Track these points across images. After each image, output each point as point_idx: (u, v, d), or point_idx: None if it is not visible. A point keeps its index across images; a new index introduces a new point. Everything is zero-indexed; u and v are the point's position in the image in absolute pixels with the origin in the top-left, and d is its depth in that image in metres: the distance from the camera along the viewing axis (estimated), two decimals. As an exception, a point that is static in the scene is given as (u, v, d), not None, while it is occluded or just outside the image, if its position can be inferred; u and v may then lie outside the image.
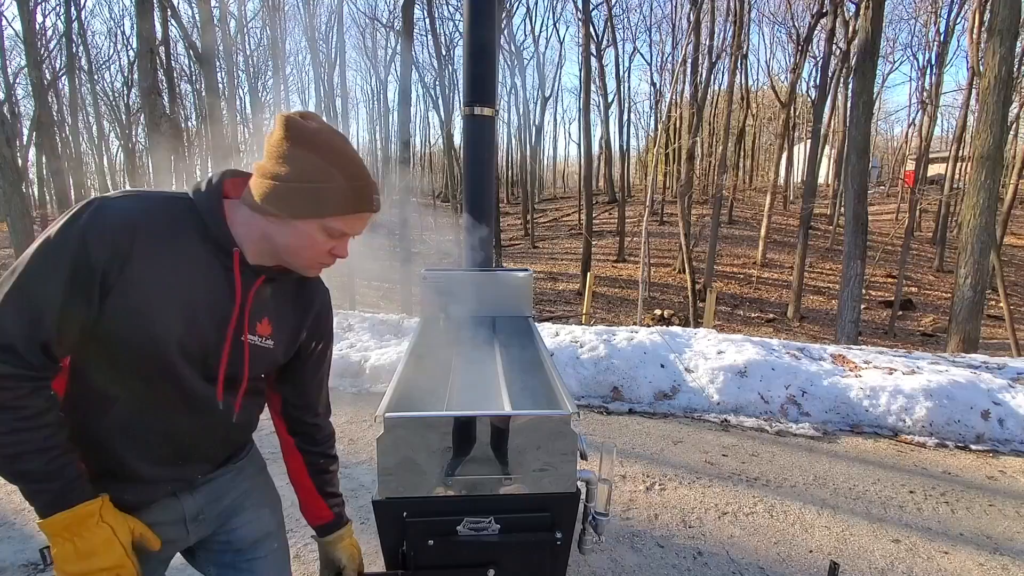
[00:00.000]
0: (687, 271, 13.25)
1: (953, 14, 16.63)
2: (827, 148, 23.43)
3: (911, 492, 2.88)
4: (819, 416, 3.77)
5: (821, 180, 25.29)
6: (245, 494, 1.09)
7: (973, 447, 3.49)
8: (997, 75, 5.83)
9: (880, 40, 8.42)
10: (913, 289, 16.67)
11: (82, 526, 0.81)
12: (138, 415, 0.87)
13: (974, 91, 6.21)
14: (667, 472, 2.98)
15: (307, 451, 1.15)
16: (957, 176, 18.59)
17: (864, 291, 12.65)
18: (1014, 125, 16.64)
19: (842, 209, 19.72)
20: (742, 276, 17.90)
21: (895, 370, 4.07)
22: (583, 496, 1.44)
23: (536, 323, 2.29)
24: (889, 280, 16.75)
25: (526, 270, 2.39)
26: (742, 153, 25.97)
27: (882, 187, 28.01)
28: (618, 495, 2.72)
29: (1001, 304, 9.29)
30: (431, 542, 1.27)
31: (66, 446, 0.81)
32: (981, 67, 14.37)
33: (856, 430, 3.68)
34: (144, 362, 0.84)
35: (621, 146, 25.41)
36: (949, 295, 14.62)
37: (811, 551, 2.34)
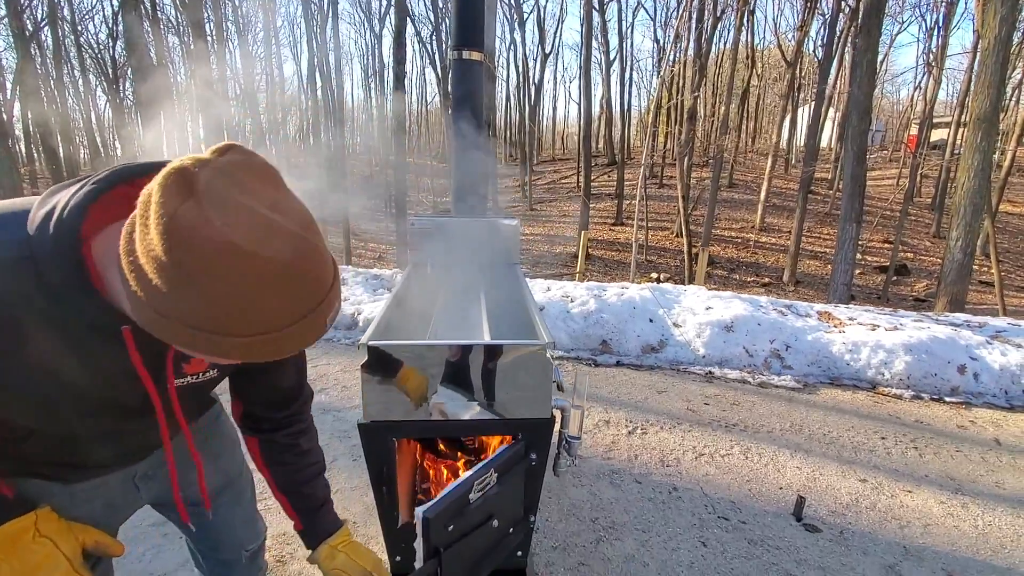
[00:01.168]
0: (684, 234, 13.23)
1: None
2: (831, 111, 23.00)
3: (882, 439, 3.00)
4: (801, 369, 3.88)
5: (824, 144, 24.97)
6: (204, 447, 1.00)
7: (947, 399, 3.61)
8: (997, 35, 5.70)
9: (888, -5, 8.17)
10: (909, 255, 16.72)
11: (15, 544, 0.72)
12: (64, 441, 0.77)
13: (978, 55, 6.08)
14: (649, 418, 3.09)
15: (265, 438, 1.04)
16: (959, 142, 18.39)
17: (860, 256, 12.70)
18: (1016, 92, 16.35)
19: (843, 173, 19.57)
20: (740, 240, 17.90)
21: (878, 326, 4.16)
22: (558, 423, 1.52)
23: (523, 272, 2.34)
24: (886, 245, 16.78)
25: (514, 219, 2.42)
26: (745, 114, 25.49)
27: (885, 151, 27.68)
28: (600, 438, 2.84)
29: (992, 271, 9.38)
30: (450, 527, 1.31)
31: None
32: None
33: (836, 383, 3.79)
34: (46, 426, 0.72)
35: (622, 106, 24.92)
36: (938, 261, 14.71)
37: (781, 488, 2.46)
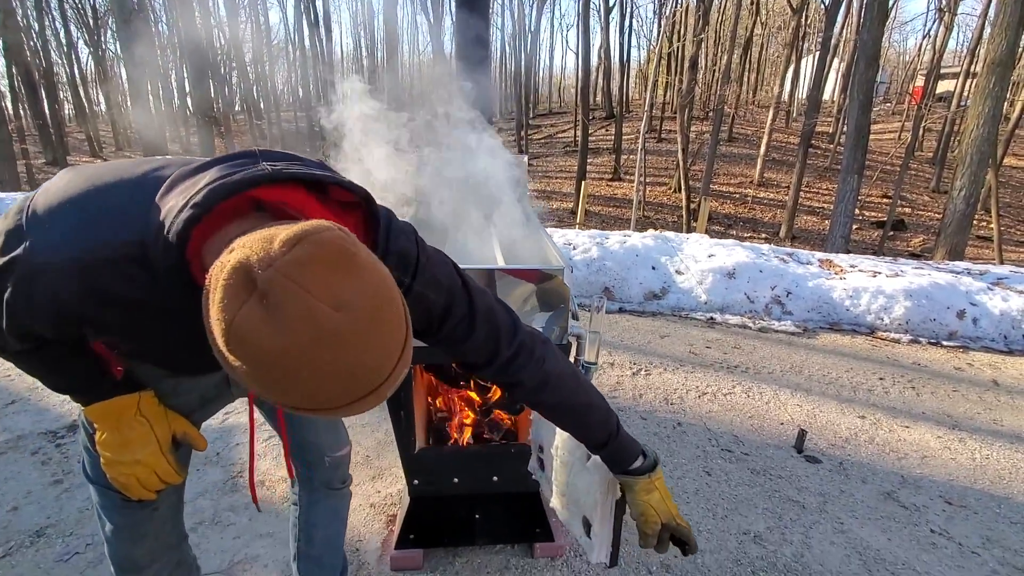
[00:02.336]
0: (683, 189, 13.09)
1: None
2: (836, 61, 22.38)
3: (880, 379, 3.06)
4: (801, 315, 3.91)
5: (827, 96, 24.41)
6: None
7: (945, 343, 3.67)
8: (1022, -30, 5.48)
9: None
10: (907, 210, 16.66)
11: (120, 418, 0.82)
12: (178, 359, 0.83)
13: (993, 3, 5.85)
14: (653, 360, 3.13)
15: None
16: (966, 94, 18.02)
17: (857, 211, 12.64)
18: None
19: (845, 127, 19.23)
20: (738, 196, 17.74)
21: (879, 273, 4.18)
22: (574, 350, 1.52)
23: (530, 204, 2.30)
24: (884, 200, 16.68)
25: (523, 155, 2.37)
26: (748, 65, 24.80)
27: (888, 103, 27.15)
28: (605, 379, 2.88)
29: (992, 225, 9.37)
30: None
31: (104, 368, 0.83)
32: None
33: (835, 328, 3.83)
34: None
35: (621, 56, 24.15)
36: (935, 216, 14.68)
37: (782, 423, 2.52)
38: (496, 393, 1.71)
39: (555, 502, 1.28)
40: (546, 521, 1.67)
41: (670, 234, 4.63)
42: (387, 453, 2.18)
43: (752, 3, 20.81)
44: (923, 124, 16.68)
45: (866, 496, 2.04)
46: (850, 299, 3.92)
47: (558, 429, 1.19)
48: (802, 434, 2.31)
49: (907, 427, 2.56)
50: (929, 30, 21.87)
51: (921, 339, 3.70)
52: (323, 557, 1.31)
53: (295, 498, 1.29)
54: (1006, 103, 6.19)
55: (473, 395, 1.73)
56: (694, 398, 2.72)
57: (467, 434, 1.68)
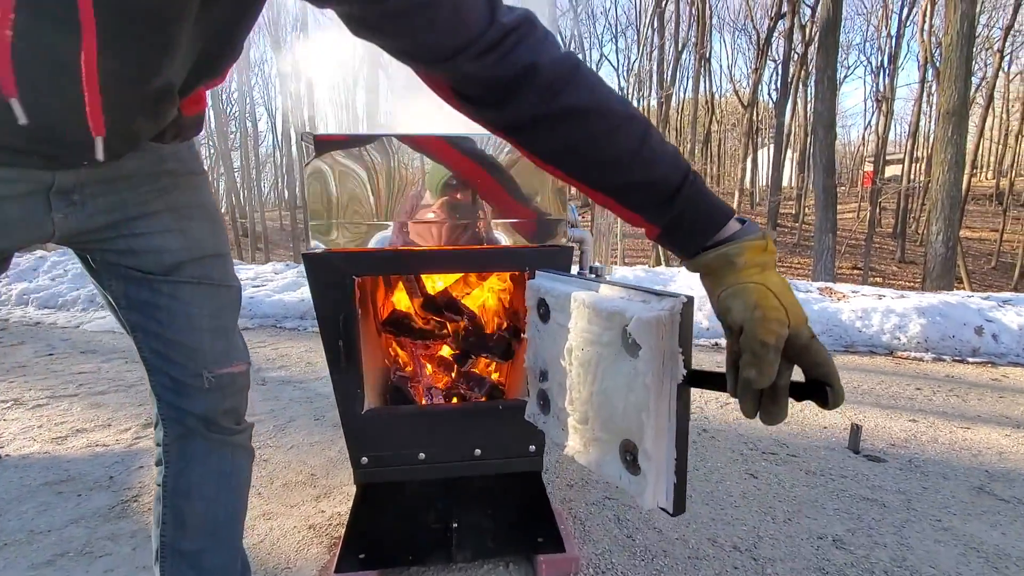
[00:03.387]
0: (663, 261, 13.22)
1: (906, 12, 17.43)
2: (790, 152, 24.10)
3: (918, 389, 2.69)
4: (812, 339, 3.58)
5: (785, 183, 25.96)
6: (163, 193, 0.72)
7: (970, 360, 3.34)
8: (959, 30, 5.93)
9: (841, 15, 8.61)
10: (879, 279, 17.05)
11: None
12: None
13: (943, 51, 6.30)
14: (660, 378, 2.72)
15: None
16: (913, 176, 19.33)
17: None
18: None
19: (807, 209, 20.18)
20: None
21: (884, 296, 3.94)
22: (576, 263, 1.17)
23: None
24: (855, 271, 17.10)
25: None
26: (709, 157, 26.53)
27: (842, 187, 28.93)
28: (608, 394, 2.45)
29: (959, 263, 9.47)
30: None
31: None
32: (935, 58, 14.92)
33: (851, 349, 3.50)
34: None
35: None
36: (911, 283, 15.00)
37: (825, 427, 2.10)
38: (475, 333, 1.29)
39: (573, 442, 0.83)
40: (553, 523, 1.20)
41: (660, 268, 4.40)
42: (339, 471, 1.68)
43: (707, 103, 22.71)
44: (879, 199, 17.58)
45: (956, 491, 1.60)
46: (860, 320, 3.62)
47: (572, 302, 0.78)
48: (856, 430, 1.89)
49: (967, 428, 2.16)
50: (870, 121, 23.97)
51: (945, 357, 3.37)
52: (203, 554, 0.82)
53: (160, 453, 0.82)
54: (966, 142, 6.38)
55: (447, 352, 1.32)
56: (716, 408, 2.29)
57: (441, 383, 1.25)
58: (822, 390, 0.50)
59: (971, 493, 1.60)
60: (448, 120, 1.08)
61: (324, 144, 1.00)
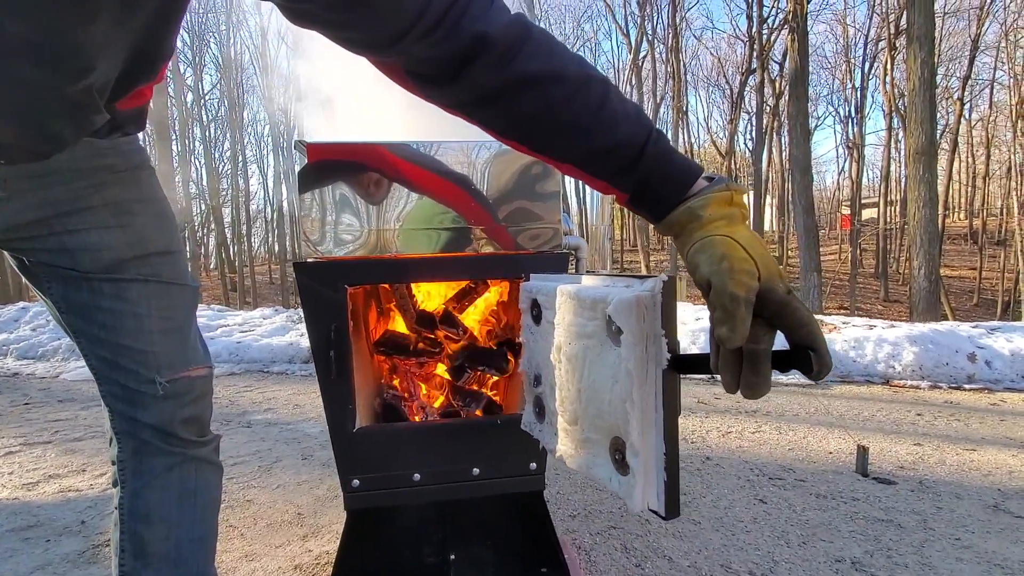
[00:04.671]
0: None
1: (867, 66, 18.51)
2: (769, 197, 24.84)
3: (918, 415, 2.65)
4: (807, 370, 3.56)
5: (767, 227, 26.63)
6: (100, 187, 0.68)
7: (967, 386, 3.33)
8: (920, 77, 6.28)
9: (808, 66, 9.10)
10: (865, 318, 17.23)
11: None
12: None
13: (908, 96, 6.64)
14: (658, 410, 2.66)
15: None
16: (889, 217, 19.96)
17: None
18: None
19: (789, 252, 20.62)
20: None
21: (875, 326, 3.96)
22: (572, 266, 1.16)
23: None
24: (842, 311, 17.28)
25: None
26: (691, 204, 27.21)
27: (822, 230, 29.71)
28: (607, 426, 2.38)
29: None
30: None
31: None
32: (900, 107, 15.67)
33: (847, 380, 3.47)
34: None
35: (578, 199, 26.24)
36: (898, 320, 15.23)
37: (831, 452, 2.05)
38: (470, 346, 1.26)
39: (564, 445, 0.79)
40: (557, 551, 1.13)
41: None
42: (327, 509, 1.59)
43: (687, 152, 23.56)
44: (859, 240, 18.04)
45: (971, 511, 1.54)
46: (854, 350, 3.62)
47: (559, 296, 0.76)
48: (863, 452, 1.84)
49: (973, 450, 2.12)
50: (843, 167, 24.95)
51: (941, 384, 3.35)
52: None
53: (115, 472, 0.75)
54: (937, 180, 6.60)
55: (441, 369, 1.28)
56: (718, 437, 2.23)
57: (436, 403, 1.20)
58: (806, 356, 0.47)
59: (987, 512, 1.54)
60: (441, 128, 1.09)
61: (317, 151, 1.00)
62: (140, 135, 0.76)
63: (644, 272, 15.29)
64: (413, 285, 1.27)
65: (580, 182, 0.63)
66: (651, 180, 0.55)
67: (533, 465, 1.11)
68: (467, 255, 1.05)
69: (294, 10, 0.51)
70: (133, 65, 0.59)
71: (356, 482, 1.07)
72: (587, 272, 1.12)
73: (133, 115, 0.69)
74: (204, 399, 0.77)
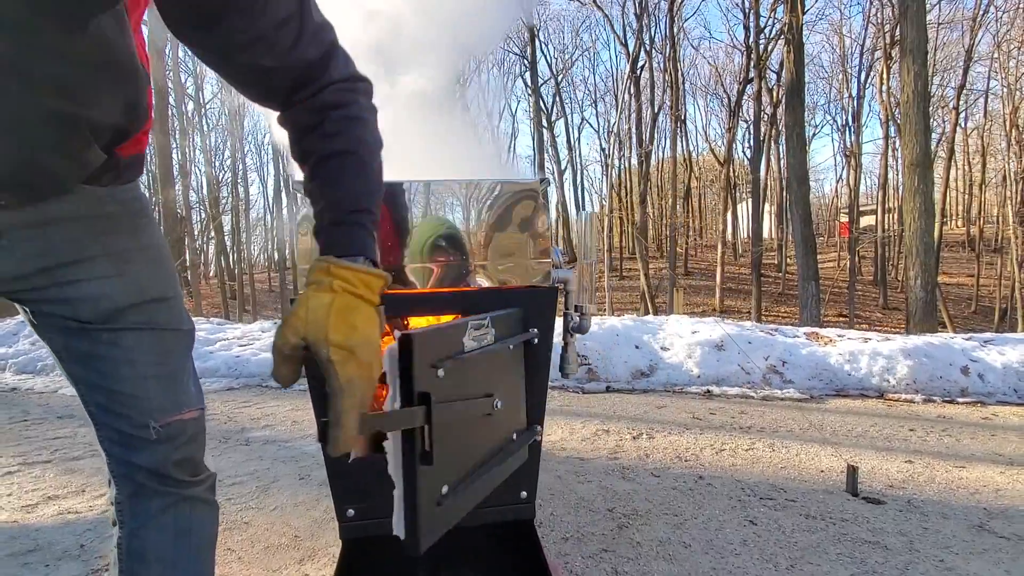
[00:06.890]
0: (650, 303, 13.31)
1: (864, 75, 18.66)
2: (767, 205, 24.94)
3: (911, 430, 2.68)
4: (803, 383, 3.59)
5: (765, 234, 26.73)
6: (100, 236, 0.69)
7: (960, 400, 3.36)
8: (914, 89, 6.35)
9: (804, 76, 9.18)
10: (865, 326, 17.24)
11: None
12: None
13: (901, 108, 6.71)
14: (654, 426, 2.68)
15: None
16: (887, 225, 20.05)
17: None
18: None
19: (788, 259, 20.69)
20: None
21: (870, 339, 3.99)
22: (561, 303, 1.19)
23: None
24: (841, 318, 17.31)
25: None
26: (690, 212, 27.32)
27: (820, 237, 29.81)
28: (603, 443, 2.40)
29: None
30: (440, 371, 0.91)
31: None
32: (896, 116, 15.78)
33: (842, 393, 3.50)
34: None
35: (577, 208, 26.38)
36: (896, 328, 15.21)
37: (822, 471, 2.07)
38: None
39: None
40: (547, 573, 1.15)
41: (648, 317, 4.43)
42: (324, 532, 1.61)
43: (685, 160, 23.67)
44: (857, 248, 18.11)
45: (956, 531, 1.57)
46: (849, 364, 3.65)
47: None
48: (853, 471, 1.87)
49: (963, 467, 2.14)
50: (841, 175, 25.07)
51: (935, 398, 3.38)
52: None
53: (114, 512, 0.77)
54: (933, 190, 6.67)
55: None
56: (711, 455, 2.26)
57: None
58: (322, 425, 0.55)
59: (971, 532, 1.57)
60: (437, 168, 1.13)
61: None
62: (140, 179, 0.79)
63: (642, 278, 15.31)
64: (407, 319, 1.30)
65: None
66: (336, 230, 0.67)
67: (523, 494, 1.14)
68: (463, 289, 1.09)
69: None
70: (123, 106, 0.62)
71: (351, 512, 1.09)
72: (577, 311, 1.15)
73: (132, 161, 0.72)
74: (196, 440, 0.79)
